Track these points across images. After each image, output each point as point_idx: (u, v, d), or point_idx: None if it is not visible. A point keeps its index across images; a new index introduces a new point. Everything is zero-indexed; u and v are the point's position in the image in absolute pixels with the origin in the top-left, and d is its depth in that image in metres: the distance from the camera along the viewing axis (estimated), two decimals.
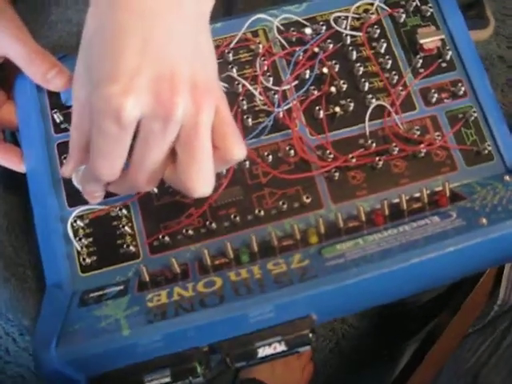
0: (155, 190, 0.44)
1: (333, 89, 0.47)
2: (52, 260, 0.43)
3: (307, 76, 0.47)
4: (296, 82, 0.47)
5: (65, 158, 0.45)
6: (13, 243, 0.49)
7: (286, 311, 0.37)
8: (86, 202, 0.43)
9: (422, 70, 0.48)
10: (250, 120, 0.46)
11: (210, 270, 0.41)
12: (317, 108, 0.46)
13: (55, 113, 0.46)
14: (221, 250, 0.43)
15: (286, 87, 0.47)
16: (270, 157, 0.45)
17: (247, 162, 0.45)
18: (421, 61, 0.48)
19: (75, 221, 0.43)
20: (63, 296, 0.41)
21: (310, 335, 0.38)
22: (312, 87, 0.47)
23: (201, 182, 0.36)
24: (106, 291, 0.41)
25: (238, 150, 0.37)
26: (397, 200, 0.43)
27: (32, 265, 0.49)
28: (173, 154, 0.37)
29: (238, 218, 0.43)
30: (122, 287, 0.41)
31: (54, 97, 0.46)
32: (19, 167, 0.46)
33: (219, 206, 0.44)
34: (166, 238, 0.43)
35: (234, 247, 0.42)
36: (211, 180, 0.37)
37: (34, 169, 0.45)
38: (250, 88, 0.46)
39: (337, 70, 0.48)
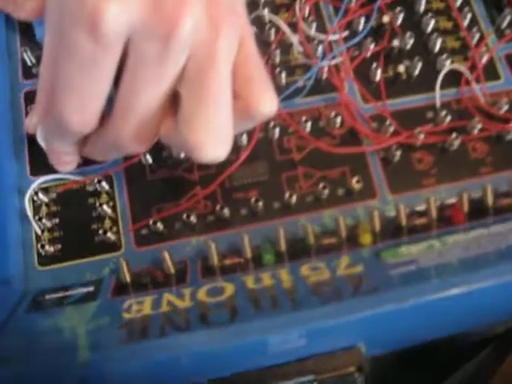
0: (149, 160, 0.32)
1: (395, 43, 0.35)
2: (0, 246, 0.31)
3: (361, 27, 0.36)
4: (346, 33, 0.36)
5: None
6: None
7: (323, 338, 0.25)
8: (54, 171, 0.32)
9: (508, 31, 0.37)
10: (283, 76, 0.34)
11: (217, 272, 0.29)
12: (373, 66, 0.34)
13: (25, 52, 0.34)
14: (234, 245, 0.31)
15: (333, 37, 0.35)
16: (309, 125, 0.33)
17: (277, 130, 0.33)
18: (508, 18, 0.37)
19: (37, 194, 0.31)
20: (9, 295, 0.30)
21: (356, 375, 0.26)
22: (367, 40, 0.35)
23: (212, 137, 0.24)
24: (68, 293, 0.29)
25: (266, 101, 0.25)
26: (478, 194, 0.31)
27: None
28: (173, 103, 0.25)
29: (260, 204, 0.31)
30: (91, 289, 0.29)
31: (26, 33, 0.35)
32: None
33: (235, 187, 0.32)
34: (159, 225, 0.31)
35: (254, 243, 0.30)
36: (227, 138, 0.25)
37: None
38: (287, 32, 0.35)
39: (400, 21, 0.36)
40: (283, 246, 0.29)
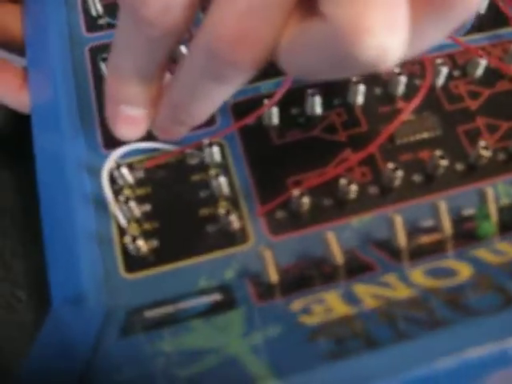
0: (274, 120, 0.23)
1: None
2: (66, 248, 0.21)
3: None
4: None
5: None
6: None
7: None
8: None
9: None
10: None
11: (405, 256, 0.19)
12: None
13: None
14: (419, 219, 0.21)
15: None
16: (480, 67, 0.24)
17: (443, 73, 0.24)
18: None
19: (117, 170, 0.22)
20: (87, 318, 0.19)
21: None
22: None
23: (383, 22, 0.14)
24: (181, 306, 0.19)
25: None
26: None
27: (28, 281, 0.26)
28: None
29: (441, 164, 0.21)
30: (217, 297, 0.19)
31: None
32: (17, 94, 0.25)
33: (399, 147, 0.23)
34: (303, 202, 0.21)
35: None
36: (402, 27, 0.15)
37: (45, 90, 0.24)
38: None
39: None
40: (494, 214, 0.20)
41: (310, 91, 0.23)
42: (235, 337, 0.16)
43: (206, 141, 0.22)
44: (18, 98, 0.26)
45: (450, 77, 0.24)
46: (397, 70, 0.23)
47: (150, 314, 0.19)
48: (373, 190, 0.22)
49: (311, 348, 0.14)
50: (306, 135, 0.23)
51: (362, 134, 0.23)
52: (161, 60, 0.19)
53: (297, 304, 0.16)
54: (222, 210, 0.21)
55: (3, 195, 0.28)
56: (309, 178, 0.22)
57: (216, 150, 0.22)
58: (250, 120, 0.23)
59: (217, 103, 0.19)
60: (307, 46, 0.16)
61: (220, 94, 0.18)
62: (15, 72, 0.26)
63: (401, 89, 0.23)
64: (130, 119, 0.20)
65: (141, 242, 0.20)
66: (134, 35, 0.18)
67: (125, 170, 0.22)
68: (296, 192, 0.21)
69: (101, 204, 0.22)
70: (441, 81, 0.24)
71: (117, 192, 0.22)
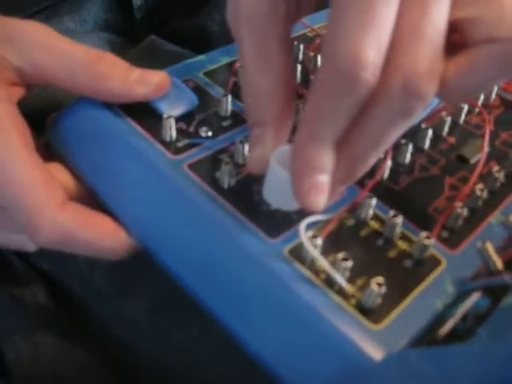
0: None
1: None
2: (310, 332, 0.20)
3: None
4: None
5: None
6: None
7: None
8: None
9: None
10: None
11: None
12: None
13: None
14: None
15: None
16: None
17: None
18: None
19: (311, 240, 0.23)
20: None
21: None
22: None
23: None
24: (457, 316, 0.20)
25: None
26: None
27: None
28: None
29: None
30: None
31: None
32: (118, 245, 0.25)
33: None
34: None
35: None
36: None
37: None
38: None
39: None
40: None
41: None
42: None
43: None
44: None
45: None
46: None
47: (443, 331, 0.20)
48: None
49: None
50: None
51: None
52: (351, 119, 0.22)
53: None
54: (408, 246, 0.23)
55: None
56: None
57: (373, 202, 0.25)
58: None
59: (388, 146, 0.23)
60: (476, 69, 0.21)
61: (398, 134, 0.22)
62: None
63: None
64: (324, 188, 0.22)
65: (374, 294, 0.21)
66: (343, 100, 0.21)
67: (315, 241, 0.23)
68: None
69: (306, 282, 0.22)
70: None
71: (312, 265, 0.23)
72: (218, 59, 0.33)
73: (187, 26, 0.49)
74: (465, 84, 0.22)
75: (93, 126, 0.28)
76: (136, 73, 0.27)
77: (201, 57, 0.33)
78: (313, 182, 0.22)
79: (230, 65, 0.33)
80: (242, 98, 0.25)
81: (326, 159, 0.22)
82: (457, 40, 0.22)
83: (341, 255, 0.22)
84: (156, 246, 0.25)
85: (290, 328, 0.21)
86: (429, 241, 0.23)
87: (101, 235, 0.25)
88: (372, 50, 0.20)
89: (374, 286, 0.21)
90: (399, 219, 0.24)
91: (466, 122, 0.31)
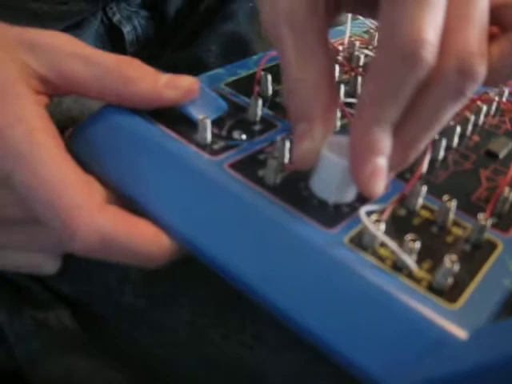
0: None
1: None
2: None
3: None
4: None
5: None
6: None
7: None
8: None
9: None
10: None
11: None
12: None
13: None
14: None
15: None
16: None
17: None
18: None
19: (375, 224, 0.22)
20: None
21: None
22: None
23: None
24: None
25: None
26: None
27: None
28: None
29: None
30: None
31: None
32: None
33: None
34: None
35: None
36: None
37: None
38: None
39: None
40: None
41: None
42: None
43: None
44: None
45: None
46: None
47: None
48: None
49: None
50: None
51: None
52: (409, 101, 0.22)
53: None
54: (463, 232, 0.23)
55: None
56: None
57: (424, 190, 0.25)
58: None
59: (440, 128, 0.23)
60: None
61: (450, 117, 0.22)
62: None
63: None
64: (383, 172, 0.22)
65: (448, 272, 0.21)
66: (404, 81, 0.21)
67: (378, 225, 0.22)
68: None
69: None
70: None
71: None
72: (236, 72, 0.33)
73: (182, 58, 0.49)
74: (507, 66, 0.23)
75: (124, 133, 0.27)
76: (165, 77, 0.27)
77: (218, 70, 0.33)
78: (374, 166, 0.22)
79: (251, 76, 0.33)
80: (285, 95, 0.25)
81: (386, 142, 0.22)
82: (492, 31, 0.23)
83: (409, 236, 0.22)
84: (208, 248, 0.24)
85: (365, 316, 0.20)
86: (487, 221, 0.23)
87: (143, 239, 0.23)
88: (431, 30, 0.20)
89: (448, 263, 0.21)
90: (453, 203, 0.24)
91: (484, 122, 0.32)
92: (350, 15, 0.39)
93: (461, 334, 0.19)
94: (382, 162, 0.22)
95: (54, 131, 0.25)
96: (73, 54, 0.25)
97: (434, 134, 0.22)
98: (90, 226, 0.22)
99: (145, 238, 0.24)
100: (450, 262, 0.21)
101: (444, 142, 0.28)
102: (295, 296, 0.22)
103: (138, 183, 0.26)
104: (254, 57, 0.35)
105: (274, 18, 0.24)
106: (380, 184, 0.22)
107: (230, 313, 0.25)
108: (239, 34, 0.47)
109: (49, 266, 0.28)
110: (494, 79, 0.23)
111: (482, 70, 0.21)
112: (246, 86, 0.32)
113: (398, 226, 0.24)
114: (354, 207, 0.24)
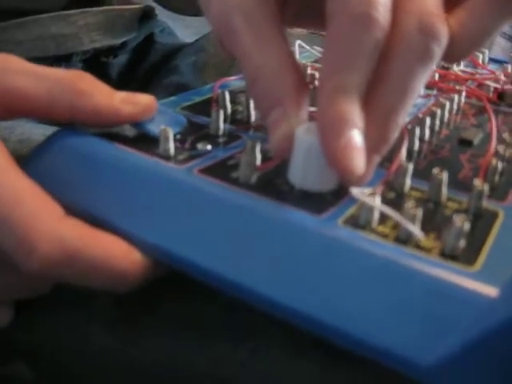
0: None
1: None
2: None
3: None
4: None
5: None
6: None
7: None
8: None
9: None
10: None
11: None
12: None
13: None
14: None
15: None
16: None
17: None
18: None
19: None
20: None
21: None
22: None
23: None
24: None
25: None
26: None
27: None
28: None
29: None
30: None
31: None
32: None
33: None
34: None
35: None
36: None
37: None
38: None
39: None
40: None
41: None
42: None
43: None
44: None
45: None
46: None
47: None
48: None
49: None
50: None
51: None
52: (372, 68, 0.21)
53: None
54: (459, 205, 0.22)
55: None
56: None
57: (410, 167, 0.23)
58: None
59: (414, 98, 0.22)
60: (477, 16, 0.22)
61: (421, 83, 0.21)
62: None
63: None
64: (359, 147, 0.20)
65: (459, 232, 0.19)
66: (361, 43, 0.20)
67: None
68: None
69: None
70: None
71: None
72: (190, 98, 0.32)
73: None
74: (469, 33, 0.23)
75: (83, 153, 0.24)
76: (122, 94, 0.25)
77: (171, 98, 0.32)
78: (346, 139, 0.20)
79: (207, 100, 0.32)
80: (249, 88, 0.23)
81: (355, 112, 0.20)
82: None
83: (409, 205, 0.20)
84: (195, 257, 0.20)
85: (382, 295, 0.18)
86: (483, 186, 0.22)
87: (112, 252, 0.20)
88: None
89: (458, 222, 0.18)
90: (444, 175, 0.22)
91: (449, 119, 0.32)
92: None
93: (491, 291, 0.17)
94: (356, 135, 0.20)
95: (5, 151, 0.22)
96: (22, 70, 0.23)
97: (408, 103, 0.21)
98: (50, 236, 0.19)
99: (114, 251, 0.20)
100: (460, 221, 0.19)
101: (418, 131, 0.27)
102: (304, 290, 0.19)
103: (105, 202, 0.23)
104: (207, 86, 0.34)
105: (224, 10, 0.23)
106: (356, 160, 0.20)
107: (218, 331, 0.22)
108: (183, 83, 0.46)
109: (3, 315, 0.24)
110: (456, 52, 0.23)
111: (443, 30, 0.21)
112: (203, 108, 0.30)
113: (391, 207, 0.22)
114: (338, 196, 0.22)
